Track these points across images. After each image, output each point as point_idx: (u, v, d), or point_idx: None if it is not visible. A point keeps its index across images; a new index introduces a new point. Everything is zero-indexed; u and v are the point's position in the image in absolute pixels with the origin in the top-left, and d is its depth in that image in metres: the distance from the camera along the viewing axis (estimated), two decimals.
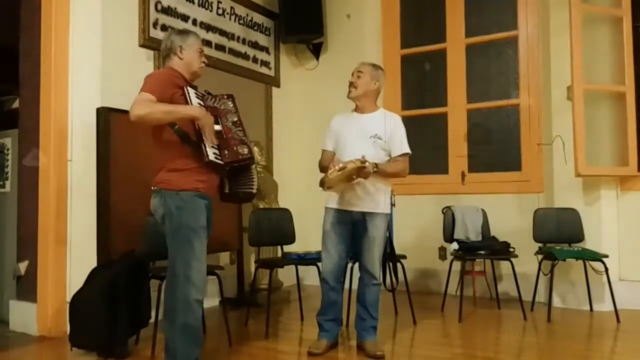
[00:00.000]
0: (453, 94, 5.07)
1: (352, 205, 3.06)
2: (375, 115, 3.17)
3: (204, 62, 2.69)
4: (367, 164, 2.83)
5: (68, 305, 3.30)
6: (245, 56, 4.98)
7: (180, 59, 2.61)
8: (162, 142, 2.50)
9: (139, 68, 3.83)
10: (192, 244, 2.47)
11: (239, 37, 4.91)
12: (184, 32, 2.68)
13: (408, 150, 3.12)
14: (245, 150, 2.54)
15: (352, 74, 3.20)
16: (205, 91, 2.69)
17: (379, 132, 3.07)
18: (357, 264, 3.21)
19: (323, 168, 3.09)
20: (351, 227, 3.10)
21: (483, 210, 4.42)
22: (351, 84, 3.16)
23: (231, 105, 2.66)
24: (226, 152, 2.50)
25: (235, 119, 2.62)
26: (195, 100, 2.53)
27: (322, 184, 2.84)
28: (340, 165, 2.79)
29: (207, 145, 2.46)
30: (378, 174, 2.97)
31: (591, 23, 4.26)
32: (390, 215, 3.79)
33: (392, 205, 3.86)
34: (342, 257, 3.12)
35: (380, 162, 3.01)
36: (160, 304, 2.78)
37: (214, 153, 2.48)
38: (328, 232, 3.10)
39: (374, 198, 3.06)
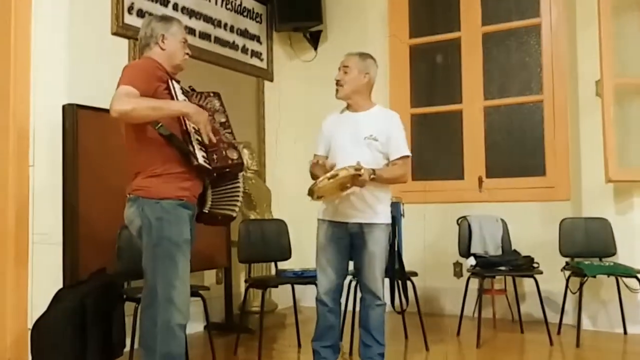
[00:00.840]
0: (468, 90, 5.07)
1: (347, 216, 3.06)
2: (370, 113, 3.17)
3: (187, 53, 2.69)
4: (362, 170, 2.82)
5: (30, 332, 3.26)
6: (233, 46, 4.96)
7: (162, 49, 2.60)
8: (140, 144, 2.48)
9: (112, 59, 3.80)
10: (174, 261, 2.45)
11: (226, 24, 4.90)
12: (166, 19, 2.68)
13: (408, 153, 3.13)
14: (235, 155, 2.54)
15: (339, 69, 3.18)
16: (189, 87, 2.68)
17: (374, 133, 3.07)
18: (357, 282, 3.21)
19: (314, 175, 3.10)
20: (348, 241, 3.10)
21: (503, 221, 4.42)
22: (337, 82, 3.15)
23: (218, 104, 2.67)
24: (215, 156, 2.49)
25: (223, 119, 2.62)
26: (180, 96, 2.53)
27: (311, 192, 2.84)
28: (331, 172, 2.79)
29: (195, 147, 2.45)
30: (375, 181, 2.98)
31: (622, 10, 4.26)
32: (399, 227, 3.79)
33: (401, 215, 3.89)
34: (339, 274, 3.12)
35: (378, 168, 3.01)
36: (137, 329, 2.75)
37: (203, 156, 2.47)
38: (323, 247, 3.12)
39: (372, 208, 3.06)
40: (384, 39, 5.33)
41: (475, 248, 4.28)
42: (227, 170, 2.53)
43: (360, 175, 2.82)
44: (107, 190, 3.44)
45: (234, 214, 2.67)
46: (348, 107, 3.22)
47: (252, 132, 5.13)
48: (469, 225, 4.34)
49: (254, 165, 4.71)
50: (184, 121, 2.46)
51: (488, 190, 4.87)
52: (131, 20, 3.96)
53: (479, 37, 5.05)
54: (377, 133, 3.07)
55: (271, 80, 5.38)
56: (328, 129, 3.21)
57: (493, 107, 5.01)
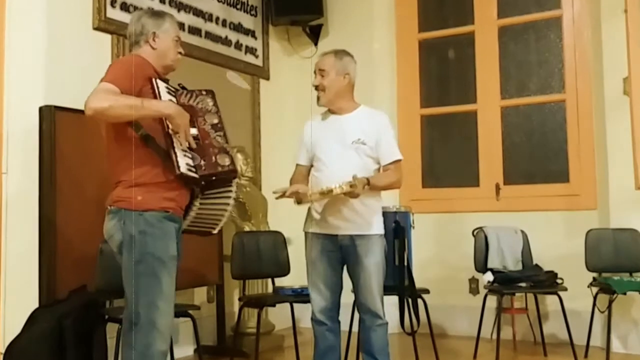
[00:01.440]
0: (484, 88, 5.07)
1: (337, 228, 3.08)
2: (355, 115, 3.19)
3: (180, 52, 2.70)
4: (356, 182, 2.85)
5: (2, 356, 3.25)
6: (226, 41, 4.96)
7: (153, 48, 2.62)
8: (121, 150, 2.47)
9: (93, 57, 3.80)
10: (158, 279, 2.43)
11: (218, 18, 4.89)
12: (158, 15, 2.70)
13: (400, 157, 3.16)
14: (227, 161, 2.52)
15: (315, 73, 3.20)
16: (179, 85, 2.67)
17: (362, 136, 3.10)
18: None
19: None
20: (340, 254, 3.13)
21: (523, 232, 4.41)
22: (317, 88, 3.17)
23: (211, 103, 2.66)
24: (202, 162, 2.48)
25: (216, 120, 2.61)
26: (165, 96, 2.51)
27: (299, 202, 2.94)
28: (324, 188, 2.85)
29: (178, 154, 2.43)
30: (370, 190, 3.01)
31: None
32: (409, 239, 3.78)
33: (411, 226, 3.91)
34: (334, 290, 3.14)
35: (372, 176, 3.04)
36: (119, 354, 2.71)
37: (187, 164, 2.45)
38: (313, 263, 3.14)
39: (364, 217, 3.08)
40: (391, 32, 5.33)
41: (493, 262, 4.26)
42: (216, 178, 2.52)
43: (354, 190, 2.85)
44: (87, 200, 3.42)
45: (214, 232, 2.70)
46: (330, 109, 3.24)
47: (246, 135, 5.11)
48: (486, 237, 4.33)
49: (249, 172, 4.71)
50: (166, 124, 2.45)
51: (506, 198, 4.86)
52: (114, 14, 3.95)
53: (495, 30, 5.05)
54: (365, 136, 3.09)
55: (267, 78, 5.37)
56: (310, 136, 3.22)
57: (511, 107, 5.01)
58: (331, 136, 3.13)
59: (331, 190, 2.83)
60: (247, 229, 4.52)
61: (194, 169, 2.45)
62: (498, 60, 5.02)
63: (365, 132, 3.10)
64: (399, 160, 3.15)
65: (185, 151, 2.46)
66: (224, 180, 2.57)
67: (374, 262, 3.06)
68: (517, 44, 5.04)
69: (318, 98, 3.17)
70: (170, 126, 2.45)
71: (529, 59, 5.00)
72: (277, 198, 3.07)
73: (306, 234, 3.20)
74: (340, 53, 3.25)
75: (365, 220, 3.07)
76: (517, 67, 5.02)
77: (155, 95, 2.48)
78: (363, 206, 3.05)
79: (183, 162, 2.42)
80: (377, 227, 3.12)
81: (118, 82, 2.37)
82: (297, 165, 3.25)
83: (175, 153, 2.42)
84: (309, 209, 3.18)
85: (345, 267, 3.15)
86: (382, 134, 3.13)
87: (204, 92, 2.67)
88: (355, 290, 3.10)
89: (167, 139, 2.44)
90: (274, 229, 4.41)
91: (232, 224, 4.53)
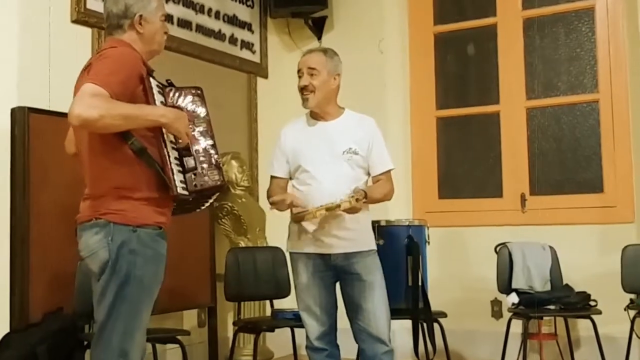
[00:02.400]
0: (507, 88, 5.07)
1: (328, 246, 3.11)
2: (343, 121, 3.23)
3: (166, 32, 2.69)
4: (359, 196, 2.91)
5: None
6: (219, 35, 4.98)
7: (139, 32, 2.56)
8: (110, 159, 2.43)
9: (72, 53, 3.80)
10: (139, 308, 2.42)
11: (210, 10, 4.92)
12: None
13: (392, 166, 3.23)
14: (216, 176, 2.51)
15: (300, 72, 3.22)
16: (167, 81, 2.63)
17: (353, 145, 3.14)
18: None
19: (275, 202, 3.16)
20: (333, 275, 3.16)
21: (552, 248, 4.40)
22: (305, 89, 3.19)
23: (200, 105, 2.63)
24: (193, 175, 2.46)
25: (205, 126, 2.60)
26: (157, 97, 2.49)
27: (299, 218, 2.99)
28: (330, 203, 2.88)
29: (174, 170, 2.42)
30: (366, 203, 3.05)
31: None
32: (423, 256, 3.77)
33: (426, 242, 3.91)
34: (331, 313, 3.18)
35: (367, 188, 3.09)
36: None
37: (181, 181, 2.44)
38: (305, 286, 3.17)
39: (357, 233, 3.12)
40: (403, 25, 5.34)
41: (518, 282, 4.25)
42: (204, 194, 2.53)
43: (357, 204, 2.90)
44: (65, 212, 3.35)
45: None
46: (313, 115, 3.26)
47: (242, 140, 5.13)
48: (510, 254, 4.32)
49: (245, 181, 4.71)
50: (163, 135, 2.43)
51: (533, 210, 4.84)
52: (95, 5, 3.93)
53: (520, 23, 5.04)
54: (357, 145, 3.14)
55: (265, 76, 5.39)
56: (292, 144, 3.24)
57: (537, 108, 5.00)
58: (318, 145, 3.16)
59: (338, 206, 2.86)
60: (242, 244, 4.51)
61: (185, 185, 2.44)
62: (523, 56, 5.01)
63: (356, 140, 3.14)
64: (390, 170, 3.21)
65: (178, 167, 2.45)
66: (209, 195, 2.58)
67: (374, 278, 3.09)
68: (544, 38, 5.03)
69: (305, 100, 3.19)
70: (167, 136, 2.43)
71: (557, 55, 4.99)
72: (272, 208, 3.09)
73: (292, 254, 3.22)
74: (330, 52, 3.28)
75: (359, 237, 3.12)
76: (545, 63, 5.01)
77: (148, 99, 2.44)
78: (355, 222, 3.08)
79: (178, 179, 2.41)
80: (371, 243, 3.18)
81: (110, 84, 2.29)
82: (274, 177, 3.27)
83: (171, 170, 2.41)
84: (294, 226, 3.20)
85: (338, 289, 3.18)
86: (374, 142, 3.17)
87: (192, 91, 2.63)
88: (354, 314, 3.11)
89: (162, 152, 2.42)
90: (273, 245, 4.40)
91: (226, 239, 4.53)
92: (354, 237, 3.11)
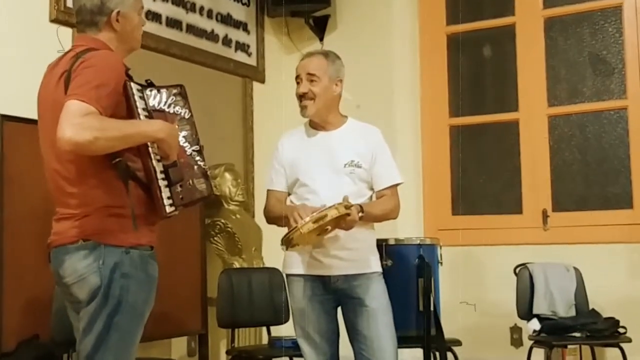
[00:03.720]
0: (527, 93, 5.08)
1: (328, 268, 3.11)
2: (345, 131, 3.24)
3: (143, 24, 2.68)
4: (351, 208, 2.88)
5: None
6: (212, 36, 5.00)
7: (116, 30, 2.54)
8: (95, 177, 2.41)
9: (50, 55, 3.70)
10: (132, 338, 2.41)
11: (202, 8, 4.93)
12: None
13: (399, 180, 3.23)
14: (203, 186, 2.52)
15: (298, 78, 3.24)
16: (146, 81, 2.60)
17: (356, 157, 3.15)
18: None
19: (273, 218, 3.18)
20: (333, 298, 3.17)
21: (576, 270, 4.41)
22: (304, 96, 3.20)
23: (182, 105, 2.61)
24: (179, 188, 2.46)
25: (188, 129, 2.59)
26: (139, 104, 2.46)
27: (288, 241, 2.90)
28: (316, 214, 2.83)
29: (162, 191, 2.40)
30: (363, 220, 3.03)
31: None
32: (436, 278, 3.78)
33: (438, 262, 3.91)
34: (332, 340, 3.19)
35: (365, 203, 3.08)
36: None
37: (168, 197, 2.43)
38: (303, 312, 3.17)
39: (359, 253, 3.13)
40: (413, 25, 5.35)
41: (540, 307, 4.26)
42: (190, 206, 2.53)
43: (348, 214, 2.87)
44: (42, 230, 3.29)
45: None
46: (313, 124, 3.28)
47: (236, 150, 5.14)
48: (531, 276, 4.33)
49: (239, 195, 4.71)
50: (150, 152, 2.41)
51: (555, 228, 4.85)
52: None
53: (540, 22, 5.06)
54: (360, 157, 3.14)
55: (262, 81, 5.40)
56: (289, 155, 3.25)
57: (560, 115, 5.01)
58: (318, 157, 3.17)
59: (325, 215, 2.82)
60: (237, 265, 4.50)
61: (172, 201, 2.43)
62: (544, 59, 5.02)
63: (359, 152, 3.15)
64: (397, 185, 3.20)
65: (163, 177, 2.43)
66: (195, 204, 2.59)
67: (379, 304, 3.10)
68: (567, 39, 5.04)
69: (303, 107, 3.20)
70: (153, 153, 2.41)
71: (582, 57, 4.99)
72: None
73: (288, 276, 3.23)
74: (332, 55, 3.29)
75: (362, 257, 3.12)
76: (568, 67, 5.02)
77: (132, 108, 2.42)
78: (357, 241, 3.09)
79: (166, 196, 2.41)
80: (375, 265, 3.17)
81: (98, 101, 2.24)
82: (271, 191, 3.27)
83: (159, 189, 2.40)
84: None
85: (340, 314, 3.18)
86: (379, 154, 3.18)
87: (173, 90, 2.61)
88: (357, 342, 3.11)
89: (147, 166, 2.41)
90: (270, 266, 4.39)
91: (219, 260, 4.52)
92: (356, 257, 3.11)
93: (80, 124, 2.17)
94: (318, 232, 2.94)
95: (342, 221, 2.91)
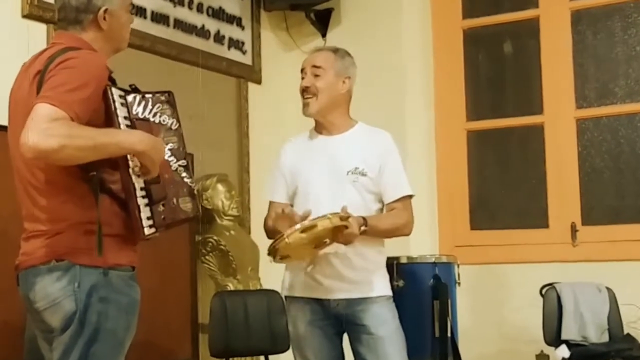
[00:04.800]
0: (552, 94, 5.08)
1: (327, 290, 3.12)
2: (351, 136, 3.25)
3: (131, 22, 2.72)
4: (350, 220, 2.86)
5: None
6: (202, 32, 5.00)
7: (101, 29, 2.56)
8: (67, 191, 2.41)
9: (22, 53, 3.72)
10: None
11: (191, 2, 4.94)
12: None
13: (410, 191, 3.22)
14: (189, 206, 2.53)
15: (303, 71, 3.25)
16: (130, 86, 2.61)
17: (361, 164, 3.16)
18: None
19: (271, 232, 3.17)
20: (336, 324, 3.19)
21: (609, 290, 4.39)
22: (306, 91, 3.21)
23: (169, 114, 2.62)
24: (162, 207, 2.46)
25: (175, 142, 2.60)
26: (121, 112, 2.46)
27: (274, 252, 2.90)
28: (305, 223, 2.83)
29: (142, 210, 2.39)
30: (367, 234, 3.03)
31: None
32: (453, 300, 3.75)
33: (456, 282, 3.89)
34: None
35: (370, 216, 3.07)
36: None
37: (148, 217, 2.42)
38: (303, 338, 3.23)
39: (364, 274, 3.14)
40: (426, 19, 5.36)
41: (569, 332, 4.23)
42: (172, 227, 2.54)
43: (346, 226, 2.85)
44: (12, 249, 3.34)
45: None
46: (318, 127, 3.28)
47: (230, 159, 5.13)
48: (559, 298, 4.30)
49: (233, 209, 4.70)
50: (128, 167, 2.40)
51: (586, 244, 4.84)
52: None
53: (567, 16, 5.06)
54: (366, 165, 3.15)
55: (258, 81, 5.40)
56: (290, 163, 3.29)
57: (590, 118, 5.02)
58: (319, 164, 3.19)
59: (315, 225, 2.80)
60: (231, 287, 4.49)
61: (152, 222, 2.43)
62: (571, 56, 5.02)
63: (365, 159, 3.16)
64: (409, 197, 3.20)
65: (143, 195, 2.43)
66: (178, 225, 2.60)
67: (387, 331, 3.10)
68: (597, 34, 5.05)
69: (306, 104, 3.21)
70: (132, 167, 2.40)
71: (613, 54, 5.00)
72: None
73: (287, 299, 3.25)
74: (342, 51, 3.32)
75: (367, 279, 3.13)
76: (598, 64, 5.04)
77: (111, 116, 2.41)
78: (361, 259, 3.10)
79: (145, 217, 2.40)
80: (383, 287, 3.18)
81: (70, 106, 2.23)
82: (272, 203, 3.30)
83: (138, 208, 2.39)
84: (288, 265, 3.21)
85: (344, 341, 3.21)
86: (388, 161, 3.18)
87: (161, 97, 2.62)
88: None
89: (127, 187, 2.41)
90: (268, 288, 4.35)
91: (211, 281, 4.50)
92: (360, 279, 3.12)
93: (46, 130, 2.16)
94: (313, 244, 2.94)
95: (340, 234, 2.89)
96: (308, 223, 2.81)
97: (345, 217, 2.84)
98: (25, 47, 3.84)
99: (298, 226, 2.80)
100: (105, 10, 2.52)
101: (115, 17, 2.56)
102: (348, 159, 3.15)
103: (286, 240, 2.79)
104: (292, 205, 3.23)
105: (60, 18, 2.57)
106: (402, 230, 3.21)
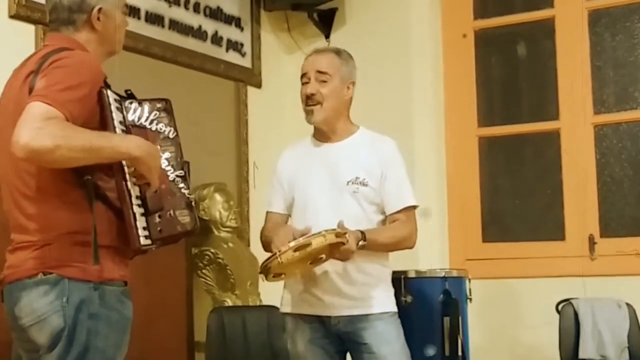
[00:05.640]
0: (569, 99, 5.08)
1: (328, 306, 3.13)
2: (352, 143, 3.26)
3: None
4: (347, 236, 2.86)
5: None
6: (199, 33, 5.01)
7: (96, 30, 2.58)
8: (60, 197, 2.41)
9: (10, 56, 3.72)
10: None
11: (188, 1, 4.94)
12: None
13: (414, 202, 3.22)
14: (187, 219, 2.53)
15: (305, 76, 3.24)
16: (126, 92, 2.62)
17: (362, 174, 3.16)
18: None
19: (268, 244, 3.17)
20: (336, 343, 3.19)
21: (629, 306, 4.40)
22: (310, 98, 3.19)
23: (167, 122, 2.63)
24: (158, 218, 2.46)
25: (173, 151, 2.61)
26: (116, 116, 2.47)
27: (266, 270, 2.92)
28: (301, 240, 2.83)
29: (137, 219, 2.40)
30: (367, 249, 3.04)
31: None
32: (464, 317, 3.75)
33: (467, 298, 3.89)
34: None
35: (370, 230, 3.07)
36: None
37: (144, 228, 2.42)
38: (303, 357, 3.22)
39: (366, 289, 3.14)
40: (435, 20, 5.37)
41: (587, 351, 4.24)
42: (169, 241, 2.54)
43: (343, 242, 2.86)
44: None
45: None
46: (318, 134, 3.29)
47: (228, 167, 5.14)
48: (576, 314, 4.31)
49: (232, 220, 4.69)
50: (124, 173, 2.41)
51: (604, 257, 4.83)
52: None
53: (584, 16, 5.06)
54: (367, 174, 3.15)
55: (258, 85, 5.41)
56: (288, 171, 3.29)
57: (608, 124, 5.02)
58: (318, 173, 3.19)
59: (309, 243, 2.80)
60: (229, 303, 4.48)
61: (147, 233, 2.43)
62: (589, 59, 5.02)
63: (366, 168, 3.16)
64: (413, 208, 3.20)
65: (139, 204, 2.43)
66: (175, 241, 2.60)
67: (391, 350, 3.10)
68: (615, 35, 5.05)
69: (309, 112, 3.20)
70: (129, 174, 2.41)
71: (633, 57, 5.00)
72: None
73: (286, 315, 3.25)
74: (345, 54, 3.32)
75: (370, 294, 3.13)
76: (617, 67, 5.04)
77: (107, 119, 2.42)
78: (362, 274, 3.10)
79: (141, 227, 2.40)
80: (386, 303, 3.18)
81: (65, 105, 2.25)
82: (270, 213, 3.32)
83: (134, 216, 2.39)
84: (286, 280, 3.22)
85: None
86: (390, 170, 3.18)
87: (158, 104, 2.63)
88: None
89: (122, 194, 2.41)
90: (268, 304, 4.35)
91: (208, 296, 4.50)
92: (362, 294, 3.12)
93: (39, 129, 2.17)
94: (308, 261, 2.94)
95: (336, 250, 2.90)
96: (302, 241, 2.81)
97: (341, 234, 2.85)
98: (12, 48, 3.84)
99: (292, 244, 2.80)
100: (100, 10, 2.54)
101: (110, 18, 2.58)
102: (348, 168, 3.16)
103: (279, 259, 2.80)
104: (290, 216, 3.26)
105: (52, 19, 2.59)
106: (405, 244, 3.21)
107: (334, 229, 2.83)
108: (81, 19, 2.55)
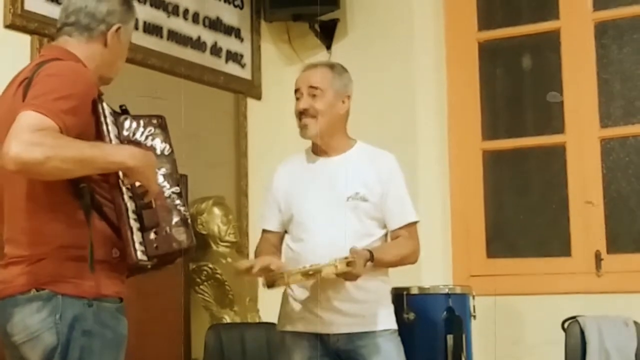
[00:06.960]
0: (575, 112, 5.08)
1: (327, 324, 3.14)
2: (350, 158, 3.27)
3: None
4: (356, 259, 2.89)
5: None
6: (198, 44, 5.02)
7: (106, 44, 2.60)
8: (52, 208, 2.41)
9: (6, 66, 3.74)
10: None
11: (187, 11, 4.95)
12: (129, 5, 2.71)
13: (416, 218, 3.26)
14: (183, 236, 2.54)
15: (298, 92, 3.30)
16: (121, 107, 2.64)
17: (361, 189, 3.18)
18: None
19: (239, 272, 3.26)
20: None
21: (637, 324, 4.39)
22: (304, 113, 3.24)
23: (162, 139, 2.65)
24: (154, 235, 2.46)
25: (168, 168, 2.62)
26: (112, 129, 2.50)
27: (271, 283, 3.00)
28: (308, 267, 2.90)
29: (134, 232, 2.40)
30: (374, 267, 3.07)
31: None
32: (467, 335, 3.74)
33: (471, 315, 3.87)
34: None
35: (376, 248, 3.10)
36: None
37: (141, 243, 2.42)
38: None
39: (367, 307, 3.16)
40: (439, 31, 5.38)
41: None
42: (165, 259, 2.56)
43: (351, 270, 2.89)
44: None
45: None
46: (315, 148, 3.32)
47: (227, 181, 5.14)
48: (582, 332, 4.30)
49: (230, 235, 4.69)
50: (121, 183, 2.41)
51: (611, 274, 4.81)
52: (36, 5, 3.97)
53: (590, 27, 5.06)
54: (367, 189, 3.17)
55: (258, 97, 5.41)
56: (285, 187, 3.31)
57: (615, 138, 5.02)
58: (316, 189, 3.21)
59: (319, 271, 2.86)
60: (227, 320, 4.47)
61: (144, 248, 2.43)
62: (595, 71, 5.02)
63: (366, 183, 3.17)
64: (415, 223, 3.22)
65: (135, 218, 2.43)
66: (170, 260, 2.61)
67: None
68: (623, 48, 5.05)
69: (303, 127, 3.24)
70: (124, 186, 2.41)
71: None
72: (239, 274, 3.10)
73: (282, 333, 3.26)
74: (338, 67, 3.34)
75: (370, 311, 3.15)
76: (624, 80, 5.04)
77: (102, 131, 2.43)
78: (362, 291, 3.11)
79: (138, 242, 2.40)
80: (386, 320, 3.20)
81: (58, 115, 2.24)
82: (264, 231, 3.32)
83: (130, 229, 2.39)
84: (284, 297, 3.23)
85: None
86: (391, 186, 3.20)
87: (153, 121, 2.65)
88: None
89: (118, 207, 2.41)
90: (267, 321, 4.33)
91: (206, 313, 4.49)
92: (362, 311, 3.13)
93: (30, 140, 2.16)
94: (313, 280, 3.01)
95: (346, 275, 2.93)
96: (313, 269, 2.87)
97: (353, 262, 2.87)
98: (8, 59, 3.85)
99: (302, 268, 2.89)
100: (118, 29, 2.60)
101: (122, 42, 2.65)
102: (348, 183, 3.17)
103: (287, 280, 2.91)
104: (286, 232, 3.26)
105: (70, 22, 2.59)
106: (409, 260, 3.24)
107: (345, 257, 2.86)
108: (99, 29, 2.58)
